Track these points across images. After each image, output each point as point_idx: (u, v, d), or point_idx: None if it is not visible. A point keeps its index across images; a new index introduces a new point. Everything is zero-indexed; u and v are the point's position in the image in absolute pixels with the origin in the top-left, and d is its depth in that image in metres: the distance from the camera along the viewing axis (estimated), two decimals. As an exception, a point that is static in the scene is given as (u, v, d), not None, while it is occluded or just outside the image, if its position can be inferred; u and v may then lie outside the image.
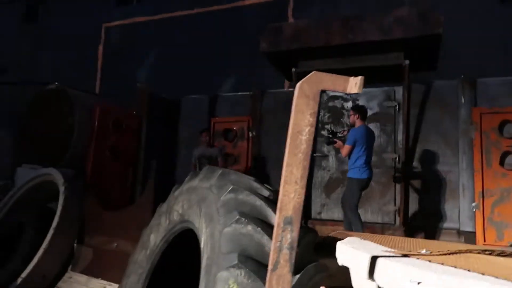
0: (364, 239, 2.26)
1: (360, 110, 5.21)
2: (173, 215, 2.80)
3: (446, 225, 5.63)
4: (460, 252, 1.90)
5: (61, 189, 4.84)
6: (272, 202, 2.31)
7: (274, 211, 2.21)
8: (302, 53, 5.79)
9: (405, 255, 1.59)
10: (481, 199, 5.41)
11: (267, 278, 1.34)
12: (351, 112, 5.29)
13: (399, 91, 6.11)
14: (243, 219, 2.03)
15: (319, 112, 6.56)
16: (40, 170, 5.52)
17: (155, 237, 2.94)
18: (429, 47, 5.37)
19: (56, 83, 6.09)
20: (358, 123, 5.14)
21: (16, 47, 14.17)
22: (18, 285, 4.27)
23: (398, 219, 5.87)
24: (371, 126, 6.24)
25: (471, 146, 5.52)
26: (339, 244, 1.98)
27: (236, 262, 1.84)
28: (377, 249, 1.80)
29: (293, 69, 5.90)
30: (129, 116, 6.52)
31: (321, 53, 5.67)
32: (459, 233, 5.58)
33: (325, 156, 6.36)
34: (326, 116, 6.48)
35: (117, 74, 13.78)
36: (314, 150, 6.47)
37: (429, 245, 2.14)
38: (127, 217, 4.40)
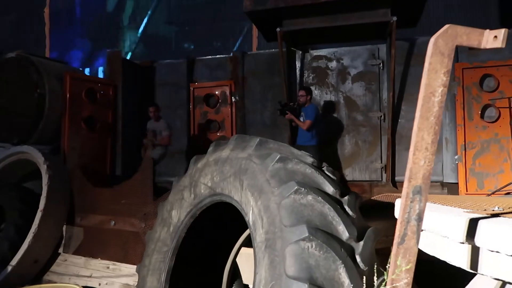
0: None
1: (311, 92, 5.97)
2: (199, 189, 2.63)
3: (431, 178, 5.85)
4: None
5: (43, 168, 4.45)
6: (318, 168, 2.22)
7: (325, 177, 2.13)
8: (287, 12, 5.54)
9: (494, 215, 1.57)
10: (463, 152, 5.66)
11: (393, 252, 1.26)
12: (303, 93, 5.81)
13: (383, 49, 6.10)
14: (303, 189, 1.92)
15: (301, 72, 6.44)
16: (12, 148, 5.03)
17: (178, 213, 2.76)
18: (416, 2, 5.34)
19: (19, 50, 5.44)
20: (308, 102, 5.82)
21: None
22: (8, 273, 3.96)
23: (385, 175, 6.04)
24: (356, 85, 6.26)
25: (453, 101, 5.68)
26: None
27: (307, 234, 1.74)
28: (454, 210, 1.77)
29: (278, 29, 5.66)
30: (102, 84, 6.04)
31: (307, 11, 5.46)
32: (443, 185, 5.85)
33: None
34: (311, 77, 6.38)
35: (66, 39, 12.72)
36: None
37: (486, 201, 2.16)
38: (124, 193, 4.14)
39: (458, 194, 5.67)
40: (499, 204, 1.89)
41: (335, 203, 1.98)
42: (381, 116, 6.07)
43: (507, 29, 1.09)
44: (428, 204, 1.98)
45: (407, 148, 5.38)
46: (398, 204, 2.27)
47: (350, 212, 2.01)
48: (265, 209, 2.01)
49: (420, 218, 1.18)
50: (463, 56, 5.73)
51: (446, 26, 1.10)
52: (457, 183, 5.69)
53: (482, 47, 1.13)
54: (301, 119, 5.72)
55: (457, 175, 5.69)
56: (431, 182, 5.81)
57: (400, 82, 5.94)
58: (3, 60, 5.72)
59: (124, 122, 6.30)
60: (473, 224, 1.46)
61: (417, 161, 1.14)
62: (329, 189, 2.05)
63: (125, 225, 4.08)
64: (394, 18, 5.25)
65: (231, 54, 6.64)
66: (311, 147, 5.60)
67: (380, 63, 6.08)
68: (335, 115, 6.23)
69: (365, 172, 6.14)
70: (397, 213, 2.28)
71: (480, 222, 1.44)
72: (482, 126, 5.62)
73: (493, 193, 5.43)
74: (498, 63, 5.54)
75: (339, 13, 5.45)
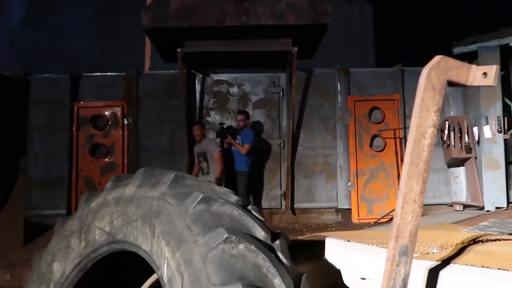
0: (351, 240, 2.08)
1: (249, 116, 5.81)
2: (93, 235, 2.09)
3: (326, 204, 6.04)
4: (468, 244, 1.86)
5: None
6: (245, 208, 1.93)
7: (254, 220, 1.85)
8: (189, 32, 5.27)
9: (445, 261, 1.46)
10: (355, 179, 5.98)
11: (374, 330, 1.02)
12: (243, 117, 5.70)
13: (282, 77, 6.20)
14: (233, 236, 1.59)
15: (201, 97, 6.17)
16: None
17: (61, 266, 2.15)
18: (315, 35, 5.55)
19: None
20: (247, 126, 5.73)
21: None
22: None
23: (284, 203, 6.03)
24: (257, 112, 6.22)
25: (347, 131, 6.01)
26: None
27: (243, 296, 1.42)
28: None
29: (179, 49, 5.33)
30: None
31: (210, 33, 5.26)
32: (337, 210, 6.06)
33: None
34: (211, 102, 6.14)
35: None
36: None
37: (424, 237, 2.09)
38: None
39: (351, 219, 5.93)
40: (434, 243, 1.82)
41: (268, 250, 1.71)
42: (281, 143, 6.10)
43: (498, 66, 0.97)
44: (353, 244, 1.82)
45: (305, 176, 5.42)
46: (330, 245, 2.09)
47: (284, 260, 1.74)
48: (186, 263, 1.62)
49: (405, 284, 0.97)
50: (354, 89, 6.13)
51: (439, 57, 0.93)
52: (350, 209, 5.96)
53: (469, 84, 0.99)
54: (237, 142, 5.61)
55: (350, 201, 5.97)
56: (327, 208, 5.90)
57: (299, 110, 6.07)
58: None
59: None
60: (432, 277, 1.32)
61: (405, 216, 0.94)
62: (260, 233, 1.76)
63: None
64: (295, 49, 5.37)
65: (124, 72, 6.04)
66: (244, 173, 5.52)
67: (280, 91, 6.16)
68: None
69: (264, 199, 6.06)
70: (328, 255, 2.09)
71: (442, 274, 1.31)
72: (371, 154, 6.03)
73: (382, 218, 5.80)
74: (383, 97, 6.05)
75: (243, 39, 5.37)
